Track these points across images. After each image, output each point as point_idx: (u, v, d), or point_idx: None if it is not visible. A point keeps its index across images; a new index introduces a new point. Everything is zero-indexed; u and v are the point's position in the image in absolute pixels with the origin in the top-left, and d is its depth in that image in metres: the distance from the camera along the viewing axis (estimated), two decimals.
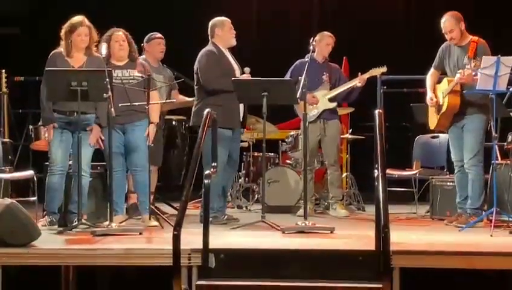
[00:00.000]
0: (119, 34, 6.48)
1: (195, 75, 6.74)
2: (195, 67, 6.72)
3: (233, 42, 6.79)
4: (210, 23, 6.79)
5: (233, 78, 6.46)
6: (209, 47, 6.73)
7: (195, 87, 6.76)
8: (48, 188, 6.12)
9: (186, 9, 10.04)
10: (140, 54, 6.87)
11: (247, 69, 6.64)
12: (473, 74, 6.15)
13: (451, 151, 6.64)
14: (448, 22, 6.43)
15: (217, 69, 6.62)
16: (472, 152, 6.38)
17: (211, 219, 6.34)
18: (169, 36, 7.44)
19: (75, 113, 5.99)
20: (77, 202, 5.94)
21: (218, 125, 6.30)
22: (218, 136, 6.42)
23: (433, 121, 6.62)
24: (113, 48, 6.42)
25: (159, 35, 7.31)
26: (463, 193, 6.52)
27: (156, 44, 7.25)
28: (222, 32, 6.72)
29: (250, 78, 6.57)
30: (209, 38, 6.79)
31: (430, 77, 6.62)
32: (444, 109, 6.46)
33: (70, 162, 6.21)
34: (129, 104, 6.21)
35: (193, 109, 6.73)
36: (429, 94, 6.57)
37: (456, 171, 6.59)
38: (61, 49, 6.17)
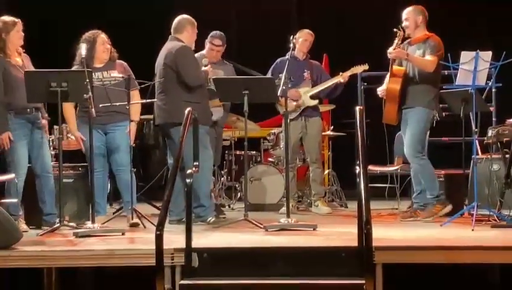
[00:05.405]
0: (103, 37, 6.42)
1: (164, 70, 6.41)
2: (167, 61, 6.39)
3: (193, 47, 6.61)
4: (182, 19, 6.56)
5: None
6: (181, 43, 6.47)
7: (159, 82, 6.45)
8: (15, 193, 5.95)
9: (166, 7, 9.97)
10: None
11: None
12: (405, 51, 6.38)
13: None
14: (407, 10, 6.54)
15: (199, 66, 6.51)
16: (409, 145, 6.45)
17: (212, 219, 6.35)
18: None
19: (34, 111, 6.07)
20: (52, 204, 5.99)
21: (200, 122, 6.30)
22: (205, 132, 6.39)
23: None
24: (97, 50, 6.36)
25: (217, 41, 7.15)
26: (417, 188, 6.58)
27: (209, 49, 7.17)
28: (192, 32, 6.55)
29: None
30: (173, 32, 6.55)
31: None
32: (386, 94, 6.52)
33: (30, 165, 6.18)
34: (109, 104, 6.18)
35: (162, 106, 6.44)
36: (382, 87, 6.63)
37: (410, 166, 6.63)
38: None
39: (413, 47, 6.55)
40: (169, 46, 6.51)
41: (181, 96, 6.36)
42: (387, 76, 6.58)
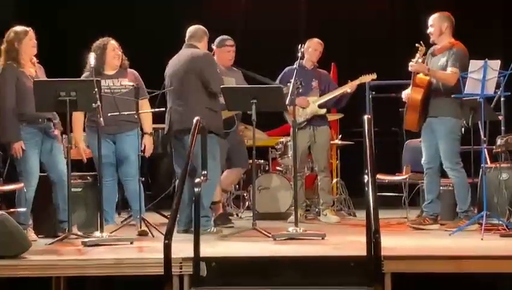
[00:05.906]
0: (114, 43, 6.45)
1: (186, 76, 6.37)
2: (190, 67, 6.36)
3: None
4: (199, 28, 6.60)
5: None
6: (203, 50, 6.55)
7: (179, 89, 6.40)
8: (25, 203, 5.98)
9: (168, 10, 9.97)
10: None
11: None
12: (426, 65, 6.40)
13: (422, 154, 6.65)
14: (433, 16, 6.54)
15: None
16: (446, 157, 6.42)
17: (214, 228, 6.34)
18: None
19: (45, 120, 6.06)
20: (66, 211, 5.92)
21: (215, 131, 6.29)
22: (216, 142, 6.38)
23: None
24: (108, 56, 6.40)
25: (230, 42, 7.22)
26: (429, 197, 6.57)
27: (225, 52, 7.20)
28: (205, 43, 6.63)
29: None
30: (190, 40, 6.56)
31: None
32: (407, 102, 6.52)
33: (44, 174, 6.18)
34: (118, 113, 6.19)
35: (182, 112, 6.35)
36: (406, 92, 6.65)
37: (424, 173, 6.63)
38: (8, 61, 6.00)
39: (437, 56, 6.52)
40: (188, 52, 6.50)
41: (204, 102, 6.35)
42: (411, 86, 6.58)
